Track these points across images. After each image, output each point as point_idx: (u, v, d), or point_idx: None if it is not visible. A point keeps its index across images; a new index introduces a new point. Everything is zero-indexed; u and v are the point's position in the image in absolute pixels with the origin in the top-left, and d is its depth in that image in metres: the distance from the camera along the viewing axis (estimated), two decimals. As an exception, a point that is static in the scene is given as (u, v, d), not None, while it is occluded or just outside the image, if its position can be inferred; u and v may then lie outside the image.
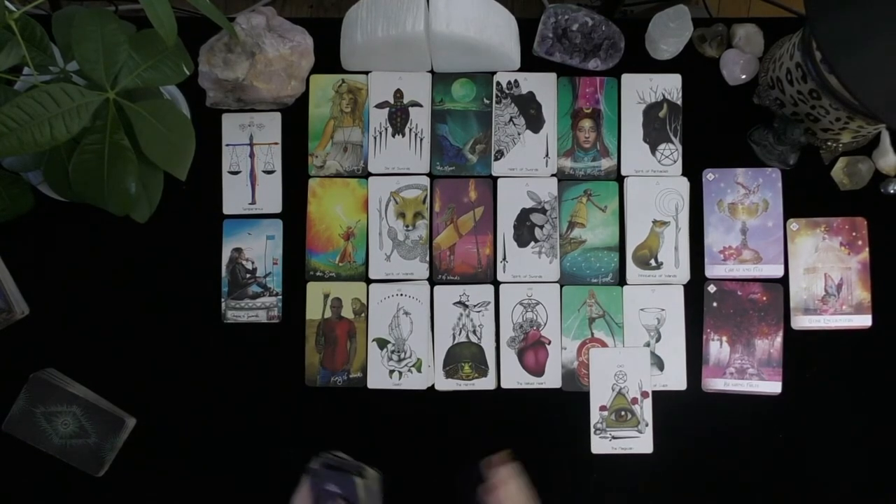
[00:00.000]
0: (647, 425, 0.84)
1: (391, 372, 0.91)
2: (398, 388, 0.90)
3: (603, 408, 0.84)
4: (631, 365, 0.85)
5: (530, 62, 0.94)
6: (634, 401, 0.84)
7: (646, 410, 0.84)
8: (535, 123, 0.93)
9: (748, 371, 0.90)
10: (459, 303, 0.91)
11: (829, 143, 0.91)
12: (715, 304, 0.91)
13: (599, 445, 0.84)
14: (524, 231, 0.92)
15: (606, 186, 0.93)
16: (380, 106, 0.93)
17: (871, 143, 0.93)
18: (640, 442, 0.85)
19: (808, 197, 0.92)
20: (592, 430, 0.84)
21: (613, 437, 0.84)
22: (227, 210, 0.92)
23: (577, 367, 0.90)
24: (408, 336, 0.91)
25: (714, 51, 0.95)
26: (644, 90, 0.94)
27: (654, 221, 0.92)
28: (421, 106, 0.93)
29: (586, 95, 0.94)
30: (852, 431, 0.90)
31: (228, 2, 1.71)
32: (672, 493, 0.88)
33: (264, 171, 0.93)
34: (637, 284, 0.91)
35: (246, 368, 0.91)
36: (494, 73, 0.94)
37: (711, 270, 0.92)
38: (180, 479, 0.89)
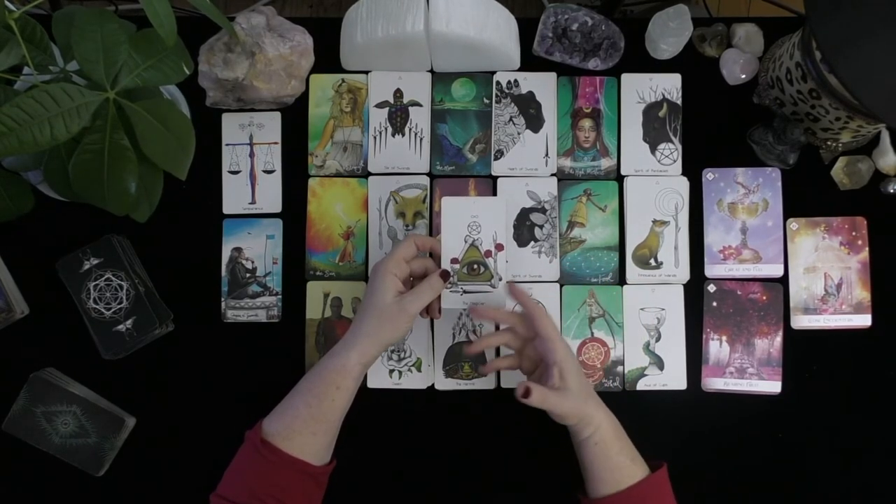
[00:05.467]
0: (500, 280, 0.80)
1: (391, 371, 0.91)
2: (398, 388, 0.90)
3: (455, 260, 0.80)
4: (485, 216, 0.80)
5: (530, 62, 0.94)
6: (488, 254, 0.80)
7: (499, 264, 0.80)
8: (534, 123, 0.93)
9: (748, 371, 0.90)
10: (459, 302, 0.90)
11: (829, 143, 0.91)
12: (715, 304, 0.91)
13: (450, 300, 0.80)
14: (524, 231, 0.92)
15: (606, 186, 0.93)
16: (380, 105, 0.93)
17: (871, 142, 0.93)
18: (493, 297, 0.80)
19: (808, 196, 0.92)
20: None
21: (465, 292, 0.80)
22: (227, 210, 0.92)
23: (577, 367, 0.90)
24: (408, 335, 0.91)
25: (714, 50, 0.95)
26: (644, 90, 0.94)
27: (654, 221, 0.92)
28: (421, 105, 0.93)
29: (586, 95, 0.94)
30: (852, 431, 0.90)
31: (228, 2, 1.71)
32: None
33: (264, 171, 0.93)
34: (637, 284, 0.91)
35: (246, 368, 0.91)
36: (494, 72, 0.94)
37: (711, 270, 0.92)
38: (180, 479, 0.89)
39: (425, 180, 0.93)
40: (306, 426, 0.73)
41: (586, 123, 0.93)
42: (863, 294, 0.91)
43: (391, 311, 0.75)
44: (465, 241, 0.80)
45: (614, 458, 0.75)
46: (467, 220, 0.80)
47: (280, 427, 0.73)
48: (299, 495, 0.73)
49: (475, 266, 0.80)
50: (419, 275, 0.80)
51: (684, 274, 0.92)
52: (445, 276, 0.78)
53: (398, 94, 0.93)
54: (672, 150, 0.93)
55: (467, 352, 0.81)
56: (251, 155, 0.93)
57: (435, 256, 0.81)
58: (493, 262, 0.80)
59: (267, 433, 0.73)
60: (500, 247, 0.80)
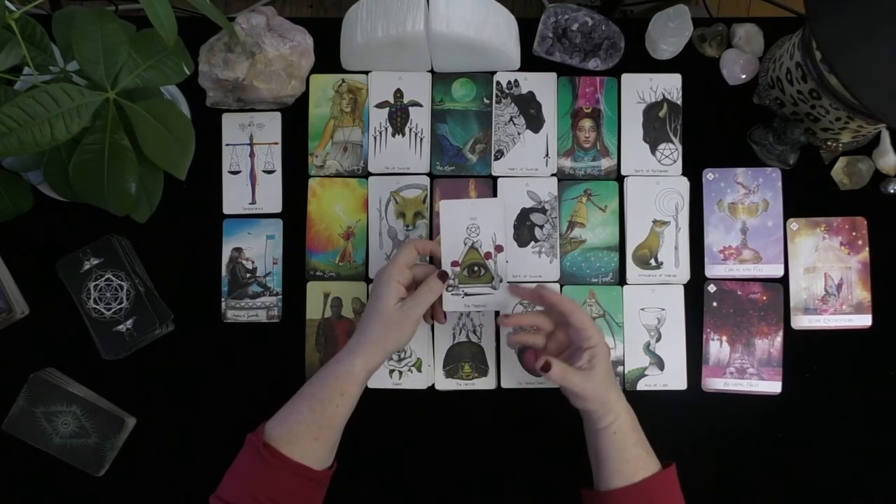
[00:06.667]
0: (501, 281, 0.79)
1: (391, 371, 0.91)
2: (398, 388, 0.90)
3: (455, 263, 0.79)
4: (484, 217, 0.80)
5: (530, 62, 0.94)
6: (488, 255, 0.79)
7: (500, 265, 0.79)
8: (535, 123, 0.93)
9: (748, 371, 0.90)
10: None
11: (829, 143, 0.91)
12: (715, 304, 0.91)
13: (451, 303, 0.80)
14: (524, 231, 0.92)
15: (606, 186, 0.93)
16: (380, 106, 0.93)
17: (871, 142, 0.93)
18: (494, 299, 0.80)
19: (808, 197, 0.92)
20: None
21: (466, 294, 0.80)
22: (227, 210, 0.92)
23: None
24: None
25: (714, 51, 0.95)
26: (644, 90, 0.94)
27: (654, 221, 0.92)
28: (421, 106, 0.93)
29: (586, 95, 0.94)
30: (852, 431, 0.90)
31: (228, 2, 1.71)
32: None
33: (264, 171, 0.93)
34: (637, 284, 0.91)
35: (246, 368, 0.91)
36: (494, 72, 0.94)
37: (711, 270, 0.92)
38: (180, 479, 0.89)
39: (425, 180, 0.93)
40: (309, 431, 0.73)
41: (586, 123, 0.93)
42: (863, 294, 0.91)
43: (395, 317, 0.75)
44: (465, 244, 0.80)
45: (630, 450, 0.75)
46: (466, 222, 0.80)
47: (283, 432, 0.73)
48: (300, 499, 0.73)
49: (475, 268, 0.80)
50: (422, 280, 0.80)
51: (684, 274, 0.92)
52: (444, 276, 0.78)
53: (398, 94, 0.93)
54: (672, 151, 0.93)
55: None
56: (251, 155, 0.93)
57: (436, 260, 0.81)
58: (493, 264, 0.80)
59: (270, 437, 0.73)
60: (499, 248, 0.80)
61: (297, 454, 0.72)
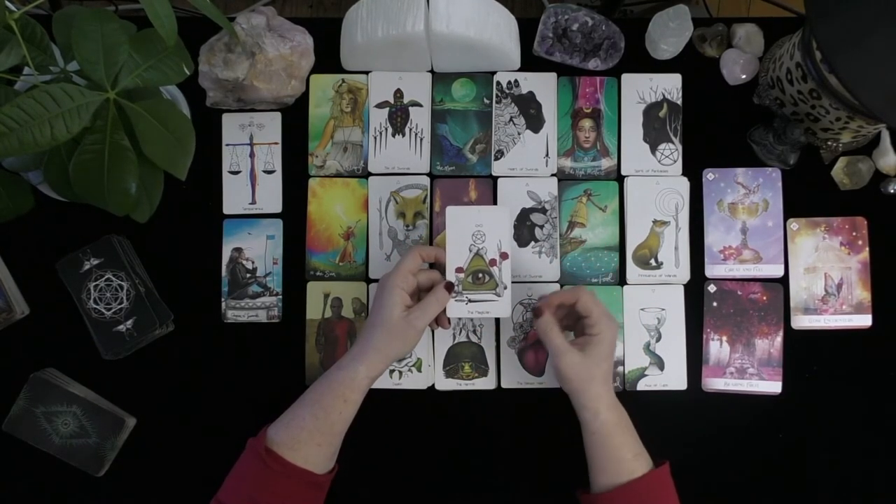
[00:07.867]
0: (505, 288, 0.79)
1: (391, 371, 0.91)
2: (398, 388, 0.90)
3: (459, 269, 0.79)
4: (490, 225, 0.80)
5: (530, 62, 0.94)
6: (493, 263, 0.79)
7: (504, 273, 0.80)
8: (535, 123, 0.93)
9: (748, 371, 0.90)
10: (459, 302, 0.90)
11: (829, 143, 0.91)
12: (715, 304, 0.91)
13: (455, 309, 0.80)
14: (524, 231, 0.92)
15: (606, 186, 0.93)
16: (380, 106, 0.93)
17: (871, 142, 0.93)
18: (498, 306, 0.80)
19: (808, 197, 0.92)
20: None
21: (470, 301, 0.79)
22: (227, 210, 0.92)
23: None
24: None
25: (714, 51, 0.95)
26: (644, 90, 0.94)
27: (654, 221, 0.92)
28: (421, 106, 0.93)
29: (586, 95, 0.94)
30: (852, 431, 0.90)
31: (228, 2, 1.71)
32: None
33: (264, 171, 0.93)
34: (637, 284, 0.91)
35: (246, 368, 0.91)
36: (494, 72, 0.94)
37: (711, 270, 0.92)
38: (180, 480, 0.89)
39: (425, 180, 0.93)
40: (312, 438, 0.73)
41: (586, 123, 0.93)
42: (863, 294, 0.91)
43: (399, 326, 0.75)
44: (470, 251, 0.80)
45: (614, 452, 0.75)
46: (472, 229, 0.80)
47: (285, 437, 0.73)
48: (301, 503, 0.73)
49: (480, 275, 0.80)
50: (426, 287, 0.79)
51: (684, 274, 0.92)
52: (450, 287, 0.78)
53: (398, 94, 0.93)
54: (672, 151, 0.93)
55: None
56: (251, 155, 0.93)
57: (440, 266, 0.81)
58: (497, 271, 0.80)
59: (272, 442, 0.73)
60: (504, 255, 0.80)
61: (300, 459, 0.72)
